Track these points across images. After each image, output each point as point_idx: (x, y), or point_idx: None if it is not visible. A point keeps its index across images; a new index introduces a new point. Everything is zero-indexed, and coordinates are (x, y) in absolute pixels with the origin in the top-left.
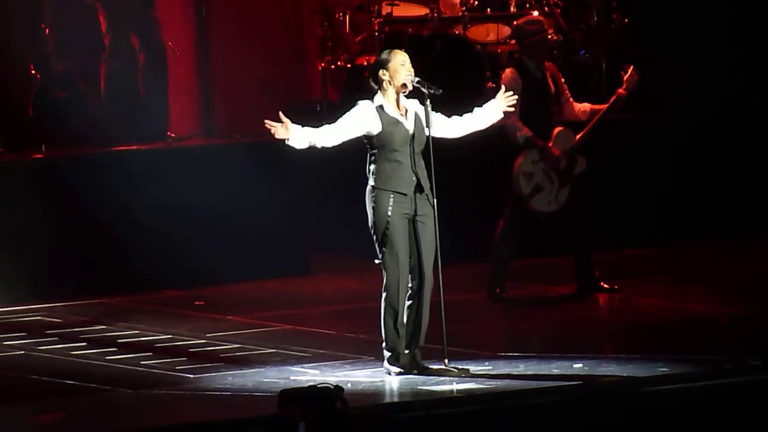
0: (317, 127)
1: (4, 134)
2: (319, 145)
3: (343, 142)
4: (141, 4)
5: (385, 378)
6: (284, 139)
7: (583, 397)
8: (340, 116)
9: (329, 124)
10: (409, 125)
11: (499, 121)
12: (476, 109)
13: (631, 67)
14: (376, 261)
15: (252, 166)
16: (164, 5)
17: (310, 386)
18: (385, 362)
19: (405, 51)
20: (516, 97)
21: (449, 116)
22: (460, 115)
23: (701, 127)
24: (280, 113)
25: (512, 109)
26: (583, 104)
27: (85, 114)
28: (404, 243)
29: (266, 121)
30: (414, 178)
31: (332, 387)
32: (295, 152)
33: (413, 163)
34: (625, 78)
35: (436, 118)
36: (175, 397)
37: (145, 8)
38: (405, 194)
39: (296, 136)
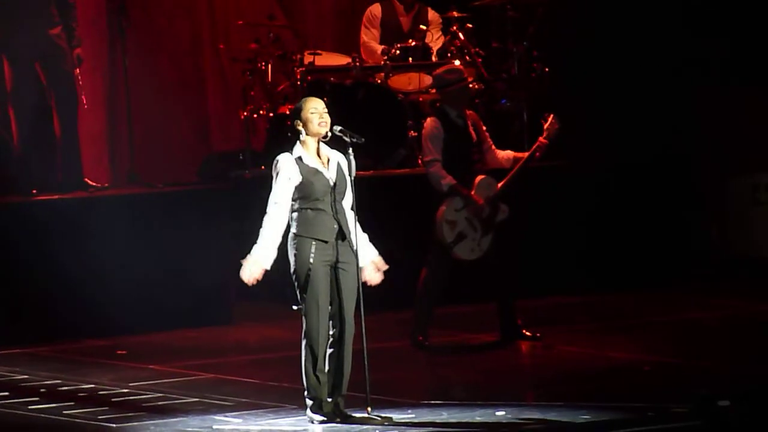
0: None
1: None
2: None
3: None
4: (53, 59)
5: (308, 426)
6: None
7: None
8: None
9: (267, 208)
10: (331, 174)
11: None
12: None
13: (551, 116)
14: (294, 307)
15: (174, 214)
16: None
17: None
18: (308, 410)
19: (326, 100)
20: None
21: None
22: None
23: (623, 175)
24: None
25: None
26: (506, 151)
27: (7, 162)
28: (325, 290)
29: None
30: (336, 226)
31: None
32: (218, 201)
33: (335, 211)
34: (546, 126)
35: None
36: None
37: (55, 51)
38: (326, 242)
39: (266, 259)
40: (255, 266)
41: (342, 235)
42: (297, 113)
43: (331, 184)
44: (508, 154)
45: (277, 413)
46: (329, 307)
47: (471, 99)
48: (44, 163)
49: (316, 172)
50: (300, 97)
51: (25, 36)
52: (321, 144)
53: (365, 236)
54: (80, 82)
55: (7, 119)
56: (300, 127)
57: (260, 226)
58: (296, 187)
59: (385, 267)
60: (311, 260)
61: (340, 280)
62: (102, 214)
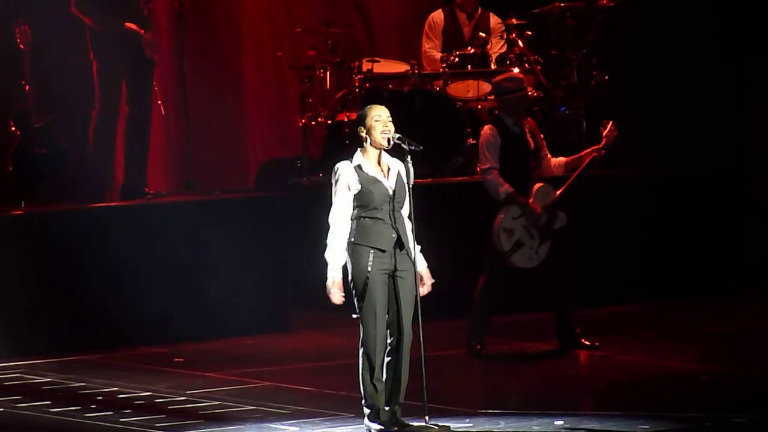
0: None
1: None
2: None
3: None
4: (141, 66)
5: None
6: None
7: None
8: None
9: (329, 220)
10: (390, 184)
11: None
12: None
13: (611, 123)
14: (354, 316)
15: (231, 222)
16: None
17: None
18: (365, 419)
19: (385, 107)
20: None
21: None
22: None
23: (681, 183)
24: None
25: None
26: (558, 158)
27: (66, 170)
28: (383, 298)
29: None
30: (394, 235)
31: None
32: (275, 209)
33: (393, 220)
34: (605, 134)
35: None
36: None
37: (145, 71)
38: (384, 251)
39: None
40: (337, 288)
41: (400, 243)
42: (361, 120)
43: (390, 193)
44: (560, 160)
45: (334, 422)
46: (386, 316)
47: (529, 107)
48: (106, 170)
49: (375, 180)
50: (358, 105)
51: (118, 44)
52: (382, 152)
53: (418, 248)
54: (156, 88)
55: (80, 126)
56: (363, 134)
57: (319, 234)
58: (355, 196)
59: (432, 281)
60: (369, 269)
61: (399, 288)
62: (159, 222)
